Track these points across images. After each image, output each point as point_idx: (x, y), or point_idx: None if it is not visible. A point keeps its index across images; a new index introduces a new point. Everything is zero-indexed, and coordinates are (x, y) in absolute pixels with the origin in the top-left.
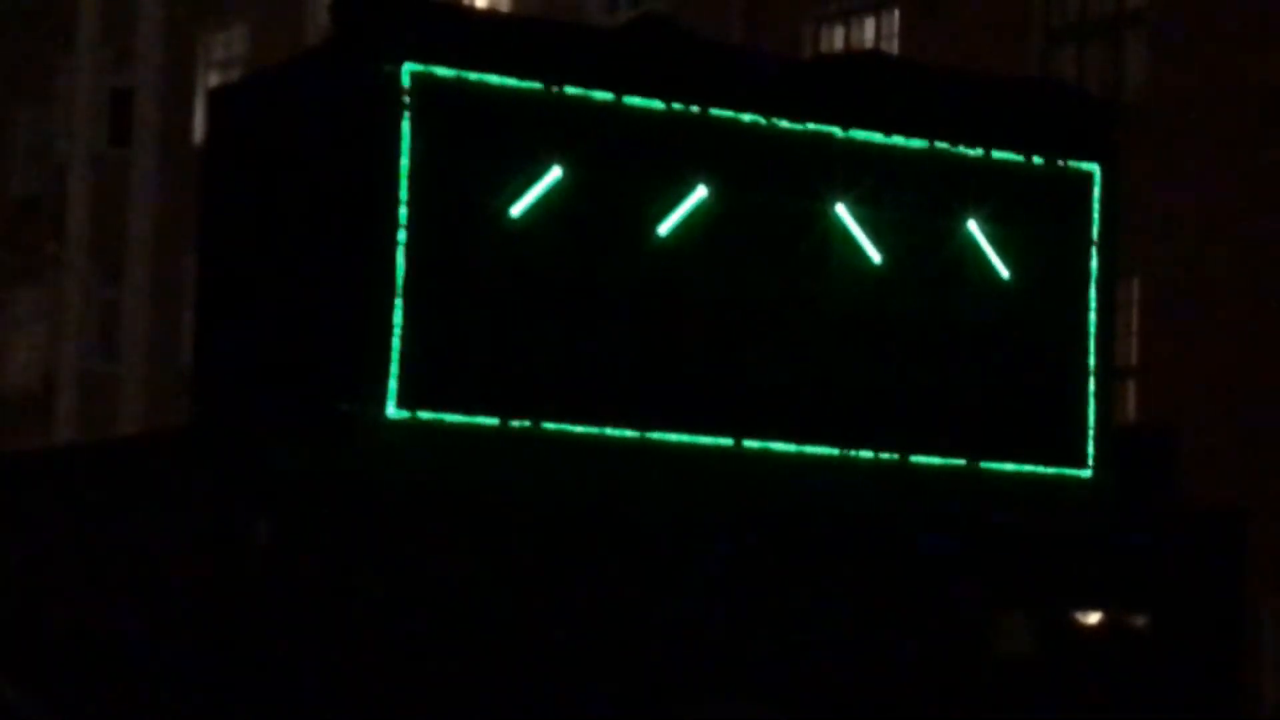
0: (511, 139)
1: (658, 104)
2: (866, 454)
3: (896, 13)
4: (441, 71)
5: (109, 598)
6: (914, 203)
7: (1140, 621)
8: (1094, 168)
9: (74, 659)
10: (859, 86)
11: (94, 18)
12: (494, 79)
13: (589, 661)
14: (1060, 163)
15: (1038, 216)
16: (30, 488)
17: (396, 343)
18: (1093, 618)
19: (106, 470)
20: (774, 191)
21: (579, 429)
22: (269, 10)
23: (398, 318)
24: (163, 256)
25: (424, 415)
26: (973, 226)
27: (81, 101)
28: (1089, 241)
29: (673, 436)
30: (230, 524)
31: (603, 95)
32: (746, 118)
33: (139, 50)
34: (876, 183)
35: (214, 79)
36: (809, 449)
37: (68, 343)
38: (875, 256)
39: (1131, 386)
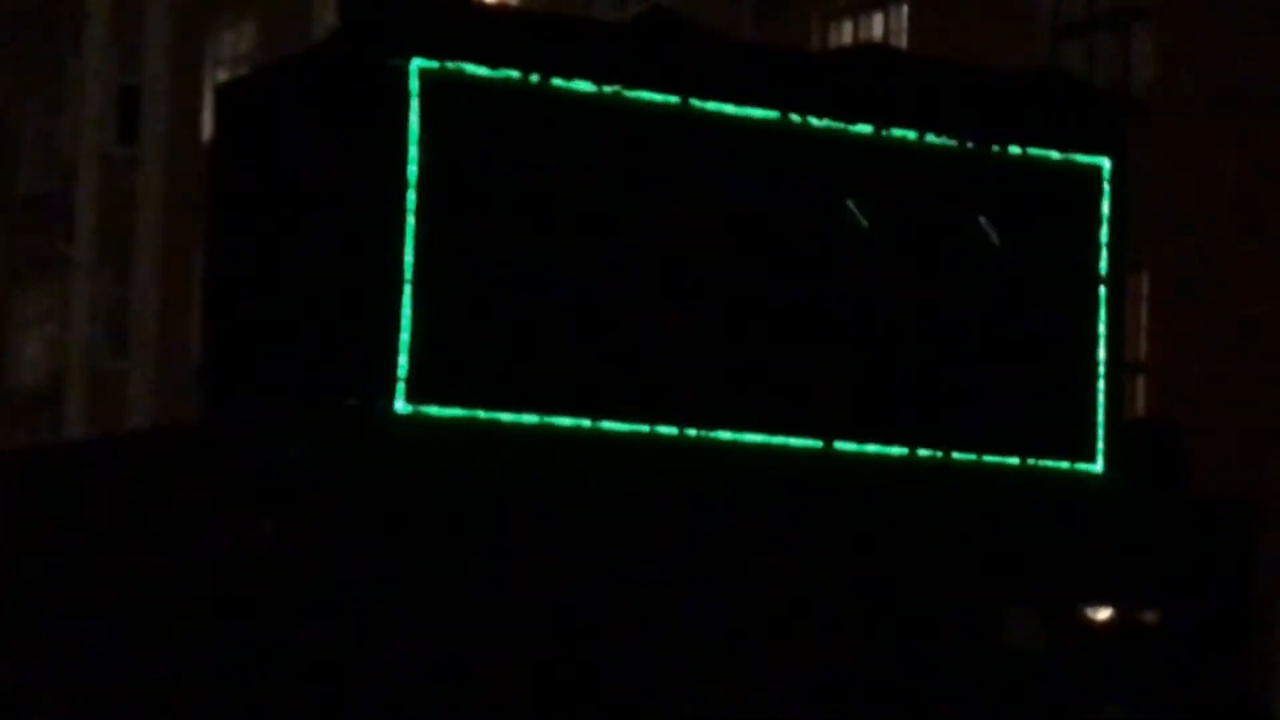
0: (519, 134)
1: (667, 98)
2: (875, 448)
3: (904, 8)
4: (449, 66)
5: (120, 591)
6: (923, 197)
7: (1150, 617)
8: (1103, 162)
9: (83, 647)
10: (868, 81)
11: (102, 16)
12: (502, 73)
13: (596, 651)
14: (1070, 157)
15: (1047, 211)
16: (44, 481)
17: (405, 337)
18: (1102, 613)
19: (118, 464)
20: (783, 185)
21: (587, 423)
22: (277, 7)
23: (405, 312)
24: (171, 253)
25: (432, 410)
26: (982, 221)
27: (90, 100)
28: (1098, 236)
29: (681, 430)
30: (238, 520)
31: (611, 90)
32: (755, 112)
33: (147, 48)
34: (886, 177)
35: (222, 76)
36: (819, 443)
37: (77, 340)
38: (883, 251)
39: (1140, 382)
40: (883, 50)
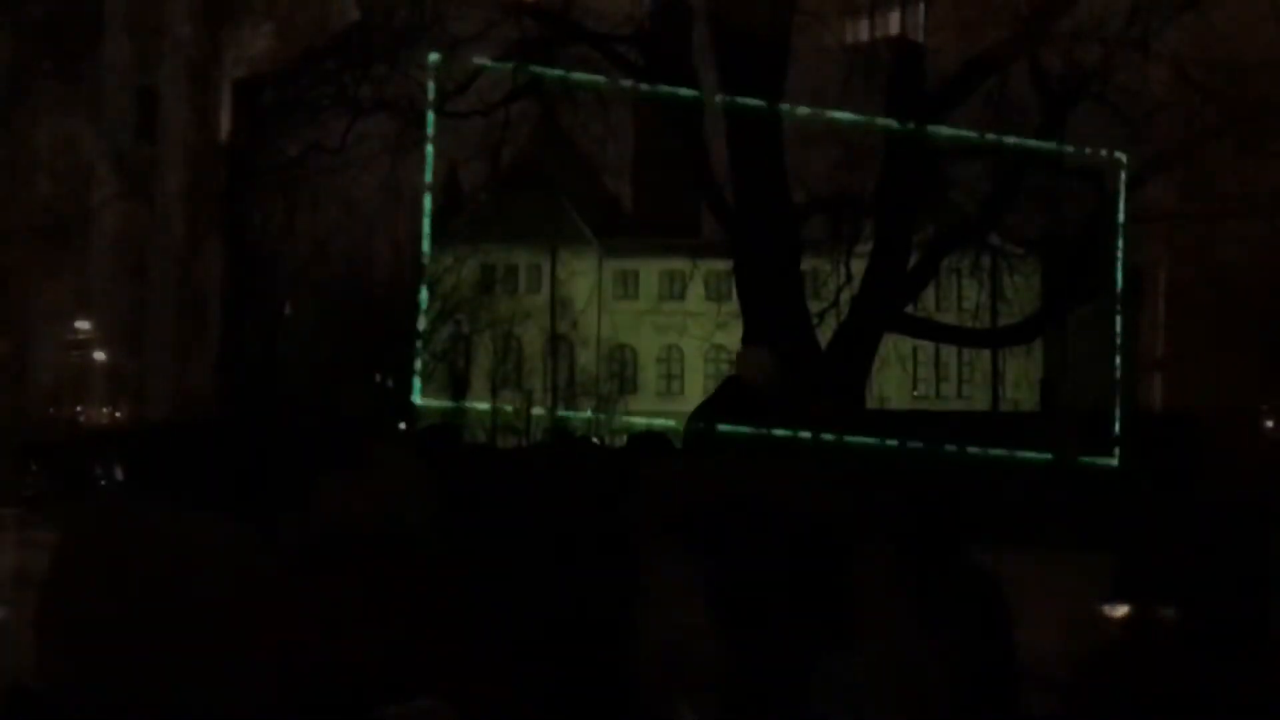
0: (537, 127)
1: (684, 92)
2: (895, 443)
3: (921, 6)
4: (468, 61)
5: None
6: (941, 191)
7: (1167, 614)
8: (1121, 158)
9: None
10: (890, 75)
11: (119, 18)
12: (519, 69)
13: (618, 646)
14: (1087, 152)
15: (1065, 206)
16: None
17: (422, 329)
18: (1119, 610)
19: (137, 457)
20: (808, 181)
21: (602, 417)
22: (294, 6)
23: (424, 304)
24: (189, 253)
25: (451, 403)
26: (1000, 215)
27: (108, 101)
28: (1115, 232)
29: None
30: (257, 515)
31: (629, 85)
32: (777, 106)
33: (165, 49)
34: (909, 172)
35: (240, 76)
36: (844, 438)
37: (95, 340)
38: (909, 246)
39: (1158, 378)
40: (904, 44)
